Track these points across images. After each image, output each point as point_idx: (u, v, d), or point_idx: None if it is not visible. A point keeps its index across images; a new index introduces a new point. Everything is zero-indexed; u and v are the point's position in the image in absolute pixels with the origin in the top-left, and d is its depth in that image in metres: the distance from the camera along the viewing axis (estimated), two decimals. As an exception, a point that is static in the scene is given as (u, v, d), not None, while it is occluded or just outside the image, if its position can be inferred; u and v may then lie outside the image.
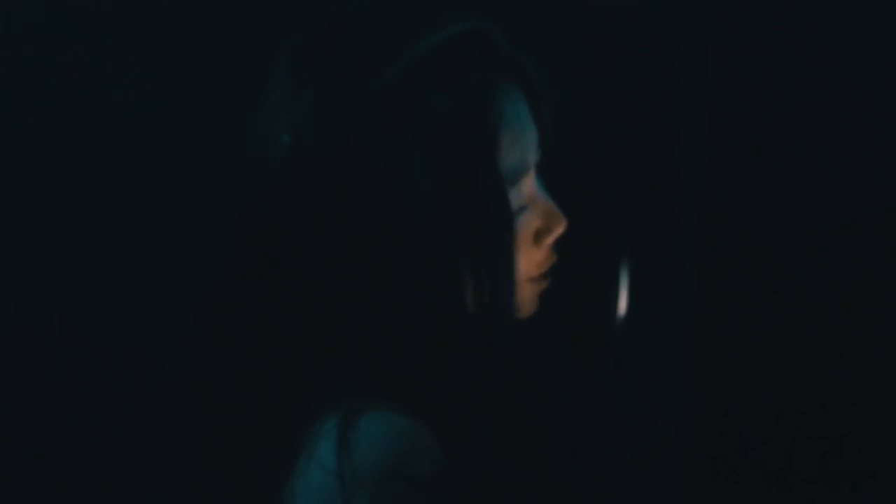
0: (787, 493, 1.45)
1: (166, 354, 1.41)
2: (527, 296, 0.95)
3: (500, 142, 0.87)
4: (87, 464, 1.58)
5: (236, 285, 0.86)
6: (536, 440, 0.96)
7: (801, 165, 1.44)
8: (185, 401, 0.90)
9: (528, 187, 0.93)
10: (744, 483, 1.47)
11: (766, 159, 1.45)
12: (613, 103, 1.50)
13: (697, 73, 1.49)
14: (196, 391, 0.88)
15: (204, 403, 0.87)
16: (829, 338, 1.43)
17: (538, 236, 0.95)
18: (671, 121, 1.50)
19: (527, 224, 0.93)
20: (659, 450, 1.51)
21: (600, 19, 1.47)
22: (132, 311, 1.61)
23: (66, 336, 1.61)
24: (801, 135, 1.43)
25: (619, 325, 1.20)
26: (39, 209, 1.61)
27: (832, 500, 1.43)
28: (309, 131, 0.84)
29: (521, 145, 0.90)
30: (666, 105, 1.48)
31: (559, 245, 0.97)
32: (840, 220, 1.42)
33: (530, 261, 0.94)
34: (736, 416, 1.48)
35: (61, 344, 1.60)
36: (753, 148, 1.46)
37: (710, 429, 1.49)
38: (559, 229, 0.95)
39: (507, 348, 0.88)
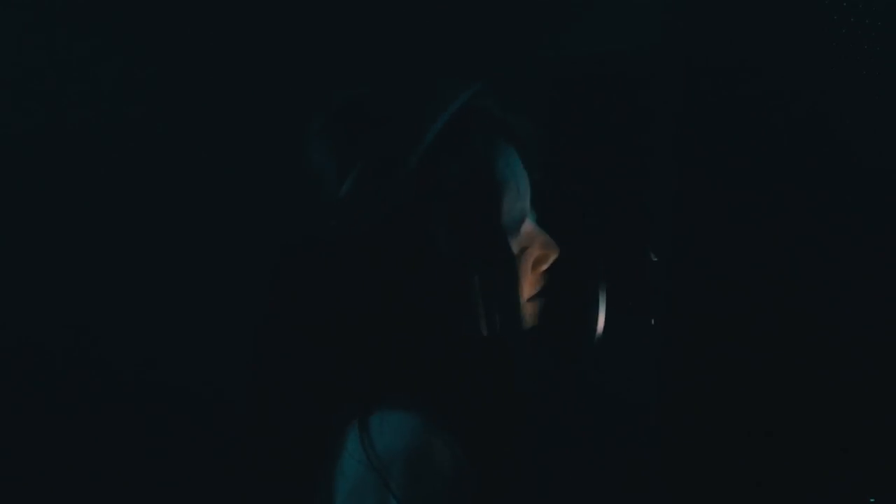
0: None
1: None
2: (528, 314, 1.08)
3: (503, 203, 1.01)
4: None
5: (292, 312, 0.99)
6: (535, 443, 1.08)
7: (771, 193, 1.51)
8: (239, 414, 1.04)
9: (527, 228, 1.06)
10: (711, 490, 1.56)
11: (736, 185, 1.53)
12: (587, 134, 1.61)
13: (668, 101, 1.59)
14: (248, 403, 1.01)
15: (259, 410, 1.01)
16: (796, 356, 1.50)
17: (535, 265, 1.08)
18: (643, 147, 1.61)
19: (526, 258, 1.06)
20: (634, 460, 1.60)
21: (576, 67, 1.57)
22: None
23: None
24: (770, 165, 1.51)
25: (597, 342, 1.31)
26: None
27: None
28: (355, 204, 0.98)
29: (519, 197, 1.04)
30: (637, 136, 1.60)
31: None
32: (811, 242, 1.48)
33: (529, 285, 1.07)
34: (704, 430, 1.55)
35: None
36: (724, 173, 1.54)
37: (680, 444, 1.57)
38: (553, 256, 1.08)
39: (526, 366, 1.01)
